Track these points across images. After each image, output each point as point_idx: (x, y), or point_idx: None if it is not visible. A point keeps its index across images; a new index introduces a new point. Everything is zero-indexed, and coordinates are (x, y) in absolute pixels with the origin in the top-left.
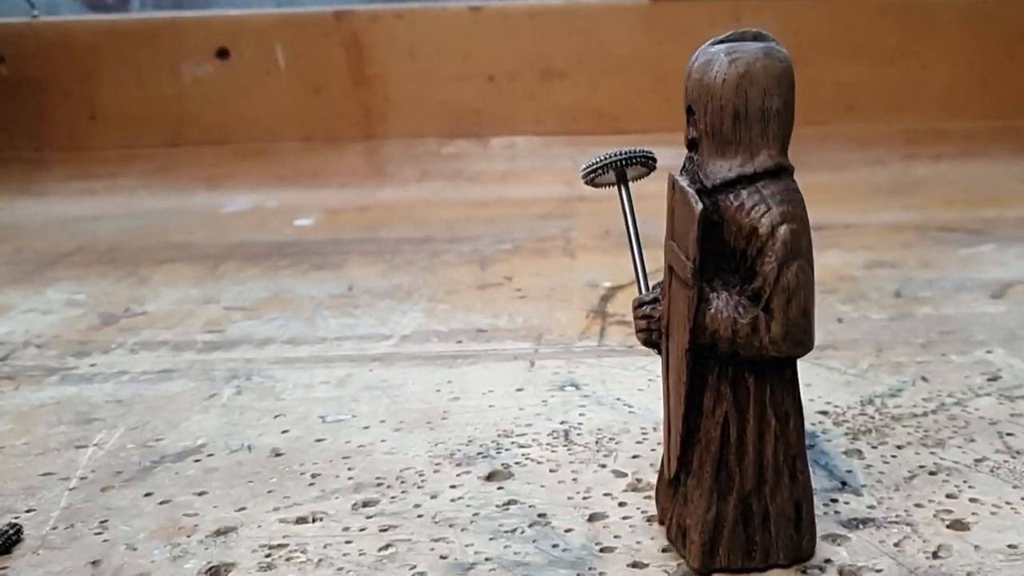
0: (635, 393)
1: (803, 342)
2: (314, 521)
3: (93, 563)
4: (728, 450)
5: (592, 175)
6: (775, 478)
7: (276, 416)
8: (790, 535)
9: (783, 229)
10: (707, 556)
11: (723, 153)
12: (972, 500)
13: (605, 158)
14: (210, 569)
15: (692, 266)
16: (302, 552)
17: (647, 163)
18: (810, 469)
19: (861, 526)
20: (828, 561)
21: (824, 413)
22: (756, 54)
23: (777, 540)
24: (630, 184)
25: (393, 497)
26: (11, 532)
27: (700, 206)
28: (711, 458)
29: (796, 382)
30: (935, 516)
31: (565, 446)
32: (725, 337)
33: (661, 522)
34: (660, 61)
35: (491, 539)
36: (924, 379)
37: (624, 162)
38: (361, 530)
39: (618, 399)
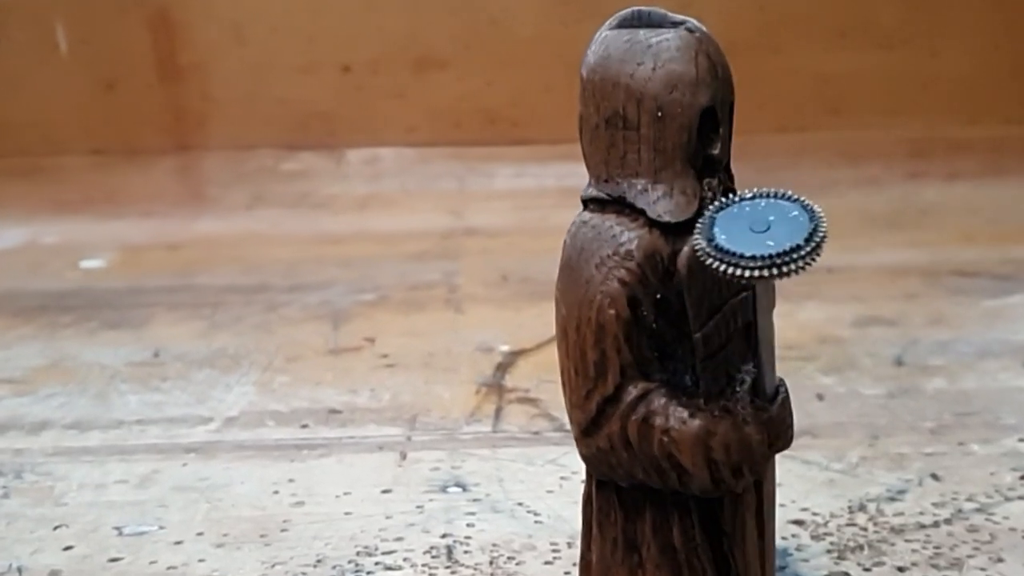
0: (543, 496)
1: None
2: None
3: None
4: None
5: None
6: None
7: (56, 527)
8: None
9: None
10: None
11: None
12: None
13: (737, 263)
14: None
15: None
16: None
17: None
18: None
19: None
20: None
21: (799, 523)
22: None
23: None
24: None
25: None
26: None
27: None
28: None
29: None
30: None
31: (448, 567)
32: None
33: None
34: (575, 46)
35: None
36: (934, 477)
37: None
38: None
39: (520, 504)
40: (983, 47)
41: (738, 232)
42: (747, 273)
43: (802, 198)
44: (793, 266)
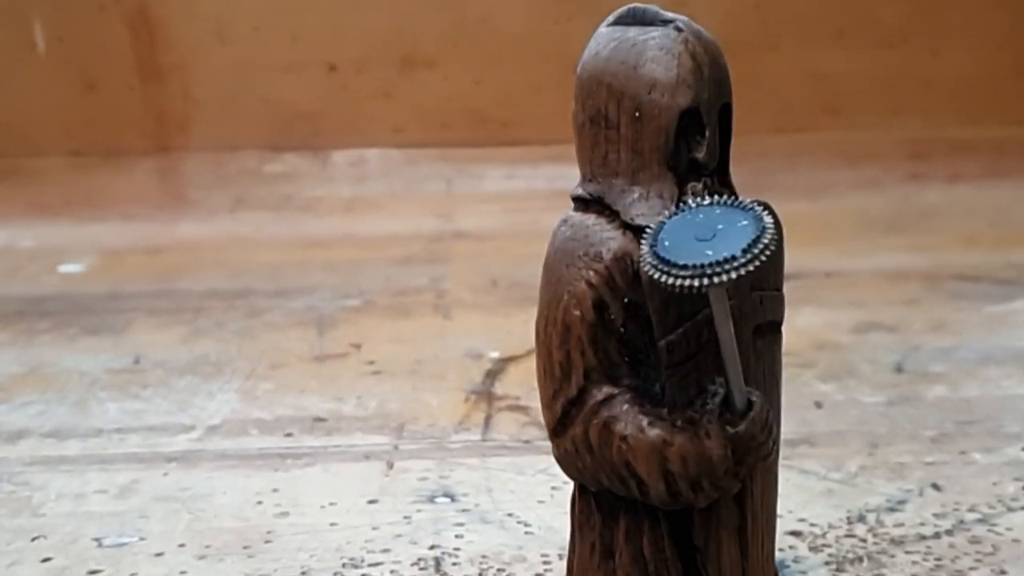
0: (533, 506)
1: None
2: None
3: None
4: None
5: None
6: None
7: (34, 538)
8: None
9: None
10: None
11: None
12: None
13: (688, 272)
14: None
15: None
16: None
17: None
18: None
19: None
20: None
21: (797, 534)
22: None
23: None
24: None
25: None
26: None
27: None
28: None
29: None
30: None
31: None
32: None
33: None
34: (566, 45)
35: None
36: (935, 487)
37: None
38: None
39: (510, 515)
40: (985, 46)
41: (683, 240)
42: (676, 282)
43: (757, 208)
44: (724, 277)
